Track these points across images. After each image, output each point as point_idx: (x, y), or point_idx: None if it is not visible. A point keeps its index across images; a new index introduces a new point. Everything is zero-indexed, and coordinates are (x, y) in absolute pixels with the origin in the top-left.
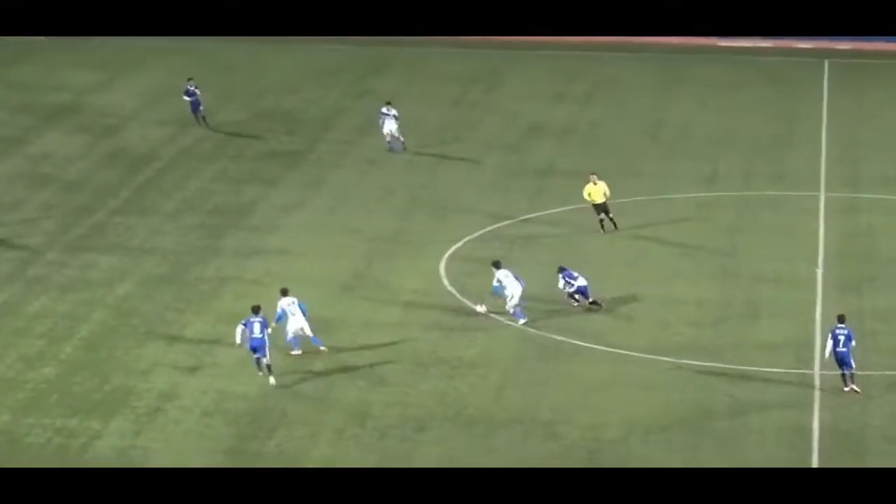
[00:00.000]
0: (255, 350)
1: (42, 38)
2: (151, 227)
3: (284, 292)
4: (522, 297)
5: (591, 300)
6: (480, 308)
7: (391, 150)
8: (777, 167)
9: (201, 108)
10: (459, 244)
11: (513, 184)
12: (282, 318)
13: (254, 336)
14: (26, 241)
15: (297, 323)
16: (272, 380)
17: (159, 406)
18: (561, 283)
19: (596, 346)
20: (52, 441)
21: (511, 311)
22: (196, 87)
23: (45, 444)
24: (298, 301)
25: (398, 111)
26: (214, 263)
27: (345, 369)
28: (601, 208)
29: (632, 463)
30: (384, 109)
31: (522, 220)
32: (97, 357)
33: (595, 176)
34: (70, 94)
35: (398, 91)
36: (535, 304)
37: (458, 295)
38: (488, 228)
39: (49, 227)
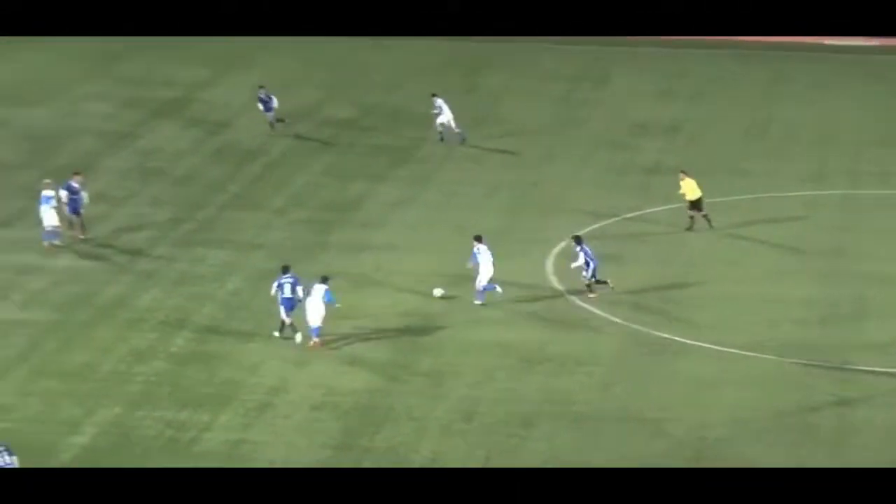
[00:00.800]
0: (288, 309)
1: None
2: (260, 222)
3: (324, 279)
4: (492, 280)
5: (597, 279)
6: (437, 292)
7: (442, 140)
8: (883, 166)
9: (271, 114)
10: (566, 241)
11: (619, 181)
12: (308, 298)
13: (284, 296)
14: (137, 236)
15: (318, 309)
16: (298, 337)
17: (268, 400)
18: (581, 261)
19: (701, 344)
20: (162, 434)
21: (479, 287)
22: (268, 94)
23: (155, 436)
24: (328, 290)
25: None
26: (322, 258)
27: (451, 365)
28: (695, 205)
29: (737, 462)
30: (438, 102)
31: (628, 217)
32: (207, 351)
33: (684, 173)
34: (180, 90)
35: (504, 88)
36: (642, 301)
37: (565, 292)
38: (595, 226)
39: (159, 221)
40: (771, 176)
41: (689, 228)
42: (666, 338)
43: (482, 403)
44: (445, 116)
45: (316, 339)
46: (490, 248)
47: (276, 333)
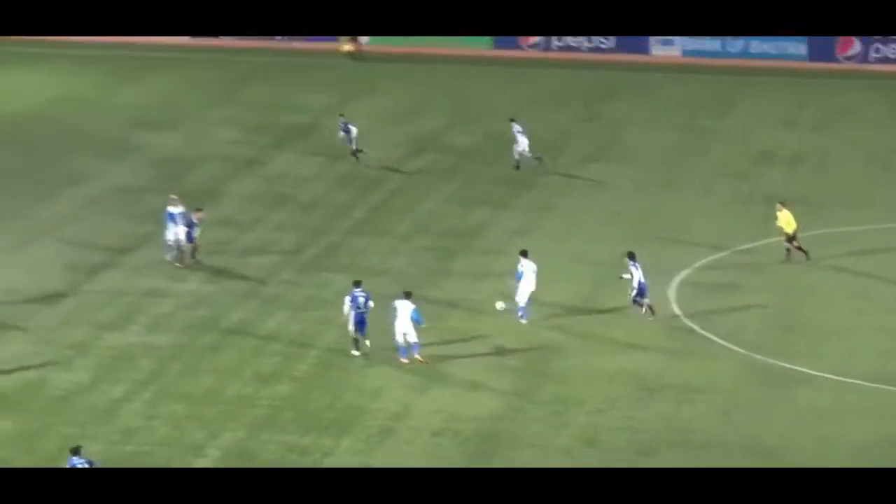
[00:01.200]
0: (359, 323)
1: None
2: (384, 248)
3: (408, 294)
4: (531, 298)
5: (647, 303)
6: (500, 305)
7: (518, 168)
8: None
9: (352, 144)
10: (688, 270)
11: (742, 211)
12: (396, 313)
13: (358, 310)
14: (263, 260)
15: (403, 326)
16: (368, 343)
17: (390, 425)
18: (635, 278)
19: (821, 374)
20: (285, 458)
21: (520, 305)
22: (348, 124)
23: (278, 460)
24: (415, 308)
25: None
26: (444, 285)
27: (573, 393)
28: (790, 238)
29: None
30: (516, 128)
31: (750, 246)
32: (330, 376)
33: (782, 204)
34: (307, 116)
35: (627, 116)
36: (762, 330)
37: (686, 320)
38: (717, 255)
39: (285, 246)
40: (894, 207)
41: (787, 261)
42: (786, 367)
43: (603, 431)
44: (521, 145)
45: (418, 356)
46: (535, 265)
47: (356, 353)
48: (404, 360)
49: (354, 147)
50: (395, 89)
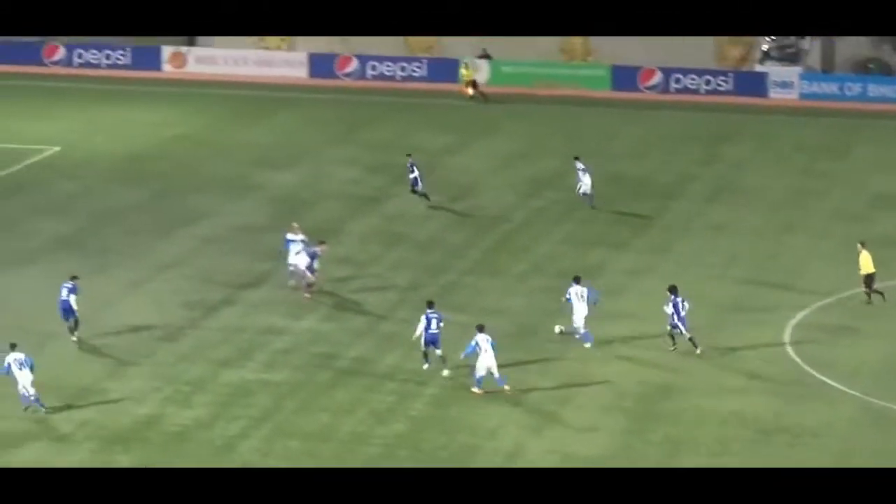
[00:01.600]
0: (430, 343)
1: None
2: (500, 287)
3: (481, 328)
4: (586, 323)
5: (689, 336)
6: (557, 329)
7: (594, 206)
8: None
9: (418, 186)
10: (805, 312)
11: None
12: (472, 351)
13: (430, 331)
14: (380, 299)
15: (487, 360)
16: (445, 372)
17: (505, 465)
18: (669, 309)
19: None
20: None
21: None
22: (413, 165)
23: None
24: (491, 339)
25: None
26: (560, 324)
27: (686, 435)
28: (871, 279)
29: None
30: (580, 165)
31: (866, 290)
32: (445, 415)
33: (862, 245)
34: (425, 156)
35: (746, 158)
36: (879, 374)
37: (802, 363)
38: (833, 298)
39: (401, 285)
40: None
41: (868, 303)
42: None
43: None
44: (584, 185)
45: (506, 388)
46: (588, 290)
47: (426, 366)
48: (476, 391)
49: (422, 189)
50: (513, 130)
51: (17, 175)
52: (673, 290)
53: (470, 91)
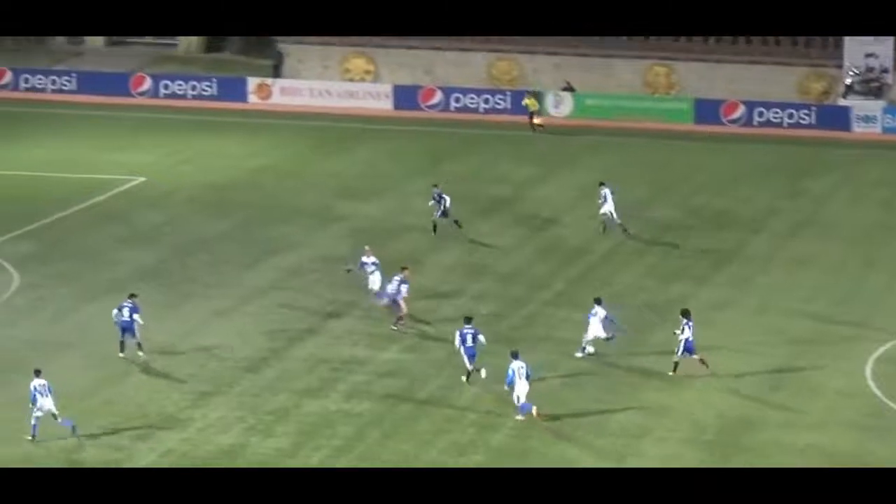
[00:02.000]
0: (470, 357)
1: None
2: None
3: (515, 355)
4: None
5: (699, 357)
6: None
7: (604, 231)
8: None
9: (446, 215)
10: (886, 346)
11: None
12: (512, 379)
13: (467, 346)
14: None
15: (522, 388)
16: (483, 373)
17: None
18: (683, 334)
19: None
20: None
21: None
22: (441, 194)
23: None
24: (527, 366)
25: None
26: (638, 358)
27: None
28: None
29: None
30: (604, 191)
31: None
32: (525, 447)
33: None
34: (509, 188)
35: (830, 192)
36: None
37: (882, 397)
38: None
39: (484, 317)
40: None
41: None
42: None
43: None
44: (608, 207)
45: (534, 412)
46: (606, 311)
47: (465, 378)
48: (521, 418)
49: (450, 217)
50: (595, 162)
51: (103, 205)
52: (686, 313)
53: (536, 121)
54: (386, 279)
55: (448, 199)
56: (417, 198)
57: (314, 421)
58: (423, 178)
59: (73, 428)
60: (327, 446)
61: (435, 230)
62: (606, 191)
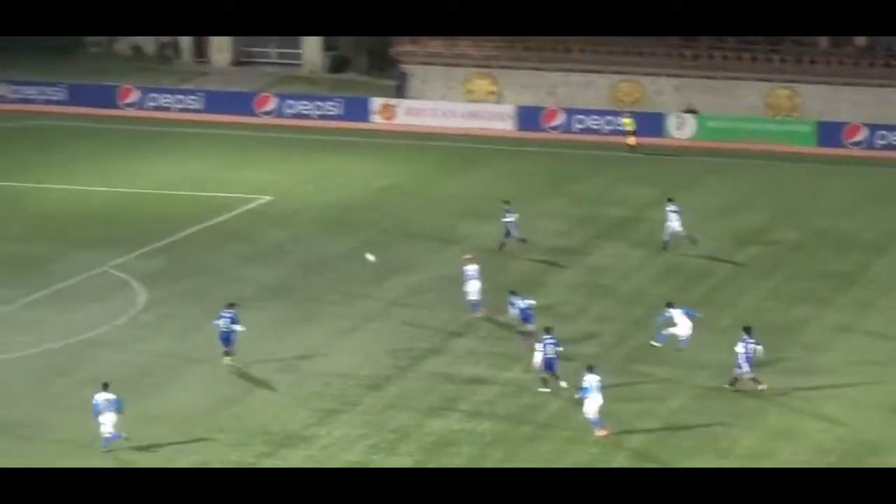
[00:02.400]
0: (548, 368)
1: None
2: (704, 341)
3: (591, 369)
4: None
5: (752, 376)
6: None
7: (665, 248)
8: None
9: (512, 234)
10: None
11: None
12: (588, 392)
13: (547, 355)
14: (583, 352)
15: (596, 401)
16: (563, 383)
17: None
18: (741, 350)
19: None
20: None
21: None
22: (510, 211)
23: None
24: (600, 379)
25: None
26: (768, 378)
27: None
28: None
29: None
30: (672, 207)
31: None
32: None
33: None
34: (630, 209)
35: None
36: None
37: None
38: None
39: (606, 338)
40: None
41: None
42: None
43: None
44: (674, 224)
45: (603, 430)
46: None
47: (543, 389)
48: (600, 434)
49: (518, 234)
50: (717, 184)
51: (228, 223)
52: (748, 330)
53: (629, 141)
54: (483, 290)
55: (513, 216)
56: (539, 218)
57: (436, 440)
58: (546, 198)
59: (116, 437)
60: (449, 465)
61: (524, 241)
62: (673, 207)
